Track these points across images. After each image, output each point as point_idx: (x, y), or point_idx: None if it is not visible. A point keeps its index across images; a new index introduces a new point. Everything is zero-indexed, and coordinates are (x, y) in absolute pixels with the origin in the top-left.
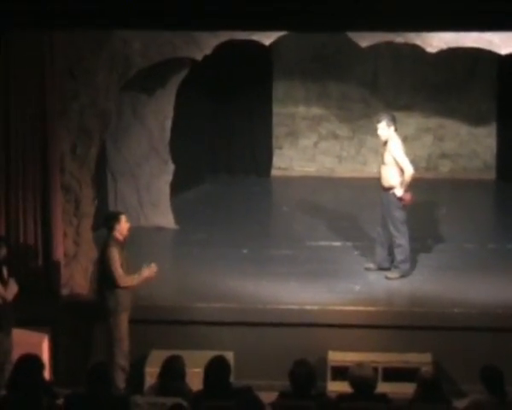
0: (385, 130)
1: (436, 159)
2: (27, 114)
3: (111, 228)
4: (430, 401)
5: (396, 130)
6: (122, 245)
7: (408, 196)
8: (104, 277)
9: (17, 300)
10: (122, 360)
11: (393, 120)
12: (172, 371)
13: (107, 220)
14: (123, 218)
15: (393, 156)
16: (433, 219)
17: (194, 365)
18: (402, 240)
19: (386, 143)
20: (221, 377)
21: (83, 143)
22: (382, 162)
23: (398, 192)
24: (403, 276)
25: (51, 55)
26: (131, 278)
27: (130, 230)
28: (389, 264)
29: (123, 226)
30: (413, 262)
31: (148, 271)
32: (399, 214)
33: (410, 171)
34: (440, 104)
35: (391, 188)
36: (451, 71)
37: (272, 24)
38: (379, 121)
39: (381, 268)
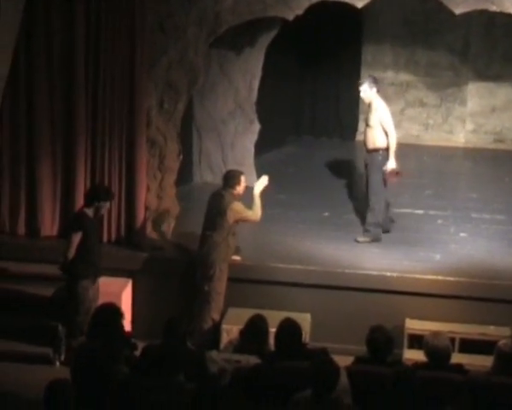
0: (367, 92)
1: None
2: (116, 66)
3: (232, 186)
4: (508, 373)
5: (378, 91)
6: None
7: (394, 177)
8: (214, 230)
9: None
10: (216, 313)
11: (375, 82)
12: (255, 332)
13: (228, 179)
14: (243, 178)
15: (379, 118)
16: None
17: (270, 325)
18: (376, 204)
19: (370, 105)
20: (291, 339)
21: (170, 97)
22: (367, 124)
23: (392, 164)
24: (373, 240)
25: (142, 9)
26: (256, 208)
27: (246, 189)
28: (389, 226)
29: (242, 186)
30: (496, 235)
31: (261, 183)
32: (379, 178)
33: (393, 135)
34: None
35: (375, 150)
36: None
37: None
38: (360, 84)
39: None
